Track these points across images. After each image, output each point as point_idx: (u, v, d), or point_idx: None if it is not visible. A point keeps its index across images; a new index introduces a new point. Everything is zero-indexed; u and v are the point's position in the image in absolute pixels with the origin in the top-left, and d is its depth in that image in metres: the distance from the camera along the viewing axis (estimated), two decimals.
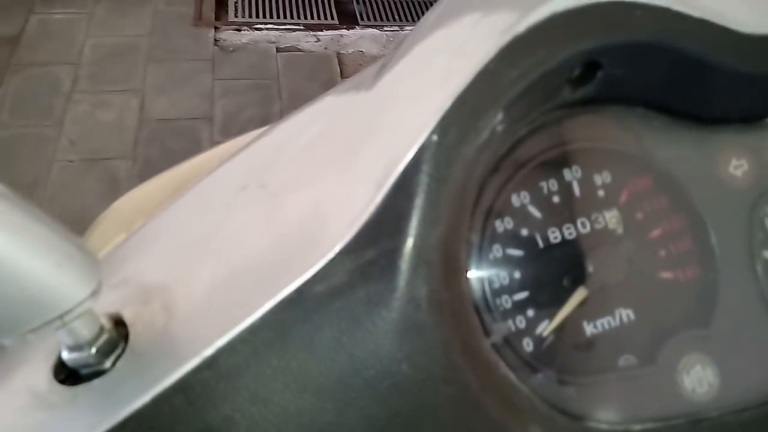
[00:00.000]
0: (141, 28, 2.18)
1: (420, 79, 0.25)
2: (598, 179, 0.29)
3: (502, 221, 0.28)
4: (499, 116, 0.24)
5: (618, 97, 0.28)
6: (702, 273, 0.28)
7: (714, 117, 0.29)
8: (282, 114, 1.97)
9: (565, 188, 0.28)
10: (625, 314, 0.28)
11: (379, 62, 0.34)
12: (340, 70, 2.15)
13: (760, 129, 0.29)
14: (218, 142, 1.88)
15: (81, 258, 0.20)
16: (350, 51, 2.23)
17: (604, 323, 0.28)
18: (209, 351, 0.22)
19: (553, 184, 0.28)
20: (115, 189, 1.71)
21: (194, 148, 1.86)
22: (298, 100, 2.03)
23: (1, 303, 0.19)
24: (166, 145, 1.85)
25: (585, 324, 0.28)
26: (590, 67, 0.26)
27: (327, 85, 2.08)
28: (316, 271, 0.23)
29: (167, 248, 0.28)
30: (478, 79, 0.23)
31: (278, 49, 2.19)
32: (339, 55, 2.20)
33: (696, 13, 0.26)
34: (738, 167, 0.29)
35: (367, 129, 0.26)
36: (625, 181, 0.29)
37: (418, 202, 0.23)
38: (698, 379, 0.27)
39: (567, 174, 0.29)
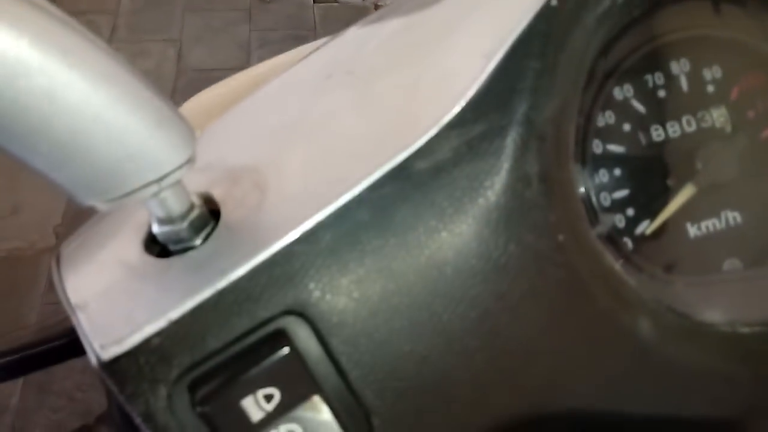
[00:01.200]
0: None
1: None
2: (708, 74, 0.27)
3: (604, 115, 0.26)
4: None
5: None
6: None
7: None
8: None
9: (672, 82, 0.27)
10: (732, 217, 0.26)
11: None
12: None
13: None
14: None
15: (178, 120, 0.20)
16: (389, 2, 2.18)
17: (708, 225, 0.26)
18: (308, 224, 0.21)
19: (659, 78, 0.26)
20: None
21: None
22: None
23: (102, 160, 0.18)
24: None
25: (689, 225, 0.26)
26: None
27: None
28: (419, 147, 0.21)
29: (251, 134, 0.27)
30: None
31: (315, 0, 2.16)
32: (377, 7, 2.16)
33: None
34: None
35: (468, 4, 0.24)
36: (738, 76, 0.27)
37: (532, 71, 0.21)
38: None
39: (674, 67, 0.27)
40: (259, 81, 0.32)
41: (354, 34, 0.31)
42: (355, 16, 2.12)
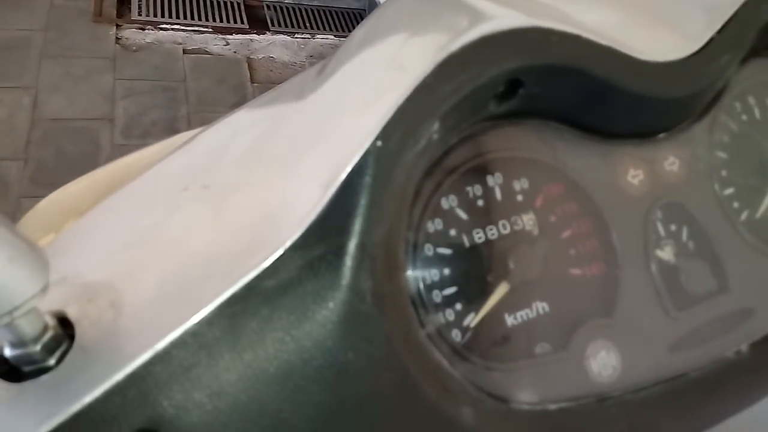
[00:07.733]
0: (35, 22, 2.05)
1: (362, 89, 0.27)
2: (517, 185, 0.32)
3: (433, 222, 0.30)
4: (435, 126, 0.26)
5: (536, 112, 0.31)
6: (606, 269, 0.32)
7: (616, 132, 0.33)
8: (189, 118, 1.93)
9: (489, 193, 0.31)
10: (541, 307, 0.31)
11: (313, 69, 0.36)
12: (250, 75, 2.13)
13: (653, 144, 0.34)
14: (120, 145, 1.81)
15: (32, 252, 0.21)
16: (260, 56, 2.21)
17: (522, 315, 0.31)
18: (161, 345, 0.23)
19: (477, 189, 0.31)
20: (4, 192, 1.61)
21: (93, 149, 1.77)
22: (207, 104, 2.00)
23: None
24: (62, 147, 1.76)
25: (506, 316, 0.30)
26: (513, 84, 0.29)
27: (237, 90, 2.06)
28: (265, 267, 0.24)
29: (107, 247, 0.28)
30: (417, 91, 0.26)
31: (185, 51, 2.14)
32: (249, 60, 2.18)
33: (603, 41, 0.29)
34: (635, 176, 0.33)
35: (311, 134, 0.27)
36: (541, 187, 0.32)
37: (364, 202, 0.25)
38: (603, 363, 0.31)
39: (490, 180, 0.31)
40: (126, 174, 0.33)
41: (215, 135, 0.33)
42: (225, 67, 2.13)
